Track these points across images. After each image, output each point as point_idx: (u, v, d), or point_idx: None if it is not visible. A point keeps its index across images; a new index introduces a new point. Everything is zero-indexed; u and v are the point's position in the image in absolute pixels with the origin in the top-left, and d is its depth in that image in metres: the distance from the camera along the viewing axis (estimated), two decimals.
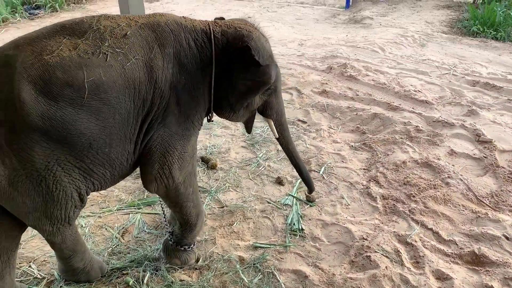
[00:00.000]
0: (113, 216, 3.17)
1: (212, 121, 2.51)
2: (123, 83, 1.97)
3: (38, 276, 2.65)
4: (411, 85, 5.34)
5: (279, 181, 3.56)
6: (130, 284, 2.54)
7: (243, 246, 2.89)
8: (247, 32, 2.30)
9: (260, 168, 3.76)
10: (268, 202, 3.33)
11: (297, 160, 2.83)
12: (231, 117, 2.49)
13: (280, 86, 2.64)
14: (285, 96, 5.22)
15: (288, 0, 11.18)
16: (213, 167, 3.77)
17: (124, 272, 2.65)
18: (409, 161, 3.76)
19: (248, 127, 2.73)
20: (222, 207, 3.28)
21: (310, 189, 2.99)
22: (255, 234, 3.02)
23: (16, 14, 9.35)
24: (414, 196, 3.32)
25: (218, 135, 4.35)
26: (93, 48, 1.92)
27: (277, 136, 2.72)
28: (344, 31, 8.32)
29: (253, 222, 3.12)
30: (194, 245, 2.71)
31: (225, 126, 4.51)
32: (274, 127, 2.68)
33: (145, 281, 2.56)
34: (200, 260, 2.74)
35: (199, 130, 2.39)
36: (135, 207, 3.24)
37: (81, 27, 1.96)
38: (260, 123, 4.53)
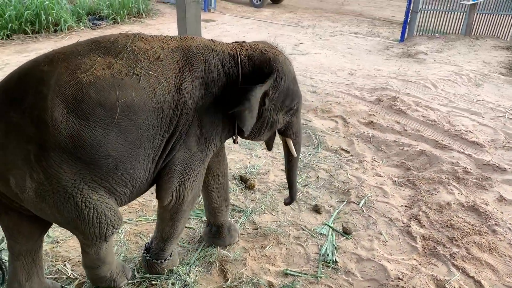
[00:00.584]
0: (149, 225, 3.21)
1: (237, 142, 2.52)
2: (153, 105, 1.99)
3: (71, 276, 2.71)
4: (463, 125, 5.16)
5: (316, 209, 3.49)
6: None
7: (274, 271, 2.84)
8: (273, 56, 2.34)
9: (298, 194, 3.71)
10: (303, 229, 3.27)
11: (295, 176, 2.93)
12: (255, 137, 2.56)
13: (301, 107, 2.70)
14: (329, 124, 5.18)
15: (342, 30, 11.20)
16: (250, 187, 3.76)
17: (153, 282, 2.65)
18: (454, 203, 3.59)
19: (269, 145, 2.81)
20: (256, 229, 3.25)
21: (291, 199, 3.01)
22: (287, 260, 2.96)
23: (81, 23, 9.88)
24: (456, 240, 3.16)
25: (259, 156, 4.35)
26: (127, 69, 1.93)
27: (296, 155, 2.77)
28: (396, 64, 8.20)
29: (286, 248, 3.06)
30: (170, 255, 2.71)
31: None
32: (293, 146, 2.72)
33: None
34: (229, 281, 2.71)
35: (213, 153, 2.43)
36: None
37: (116, 47, 1.99)
38: (302, 148, 4.50)
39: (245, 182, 3.83)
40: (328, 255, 2.98)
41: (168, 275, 2.70)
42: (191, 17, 3.19)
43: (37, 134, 1.77)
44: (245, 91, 2.20)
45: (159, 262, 2.66)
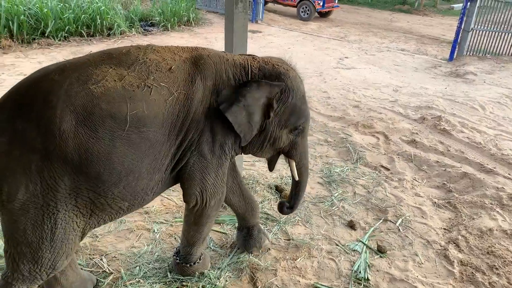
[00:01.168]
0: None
1: (239, 153, 2.50)
2: (164, 117, 1.98)
3: (107, 270, 2.80)
4: (510, 150, 4.95)
5: (351, 225, 3.45)
6: None
7: (304, 283, 2.82)
8: (284, 71, 2.33)
9: (333, 208, 3.68)
10: (336, 244, 3.23)
11: (298, 200, 2.79)
12: (256, 152, 2.51)
13: (308, 129, 2.62)
14: (370, 139, 5.11)
15: (389, 46, 11.06)
16: (286, 197, 3.75)
17: (184, 283, 2.70)
18: (496, 230, 3.45)
19: (271, 165, 2.76)
20: (289, 240, 3.24)
21: (292, 207, 2.84)
22: (318, 274, 2.93)
23: (133, 29, 10.26)
24: (497, 269, 3.02)
25: None
26: (139, 81, 1.92)
27: (297, 179, 2.66)
28: (443, 83, 7.99)
29: (318, 262, 3.04)
30: (200, 258, 2.75)
31: None
32: (295, 169, 2.64)
33: None
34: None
35: (231, 158, 2.42)
36: None
37: (128, 59, 1.98)
38: (340, 162, 4.46)
39: (280, 192, 3.83)
40: (360, 272, 2.93)
41: (199, 278, 2.74)
42: (238, 27, 3.25)
43: (43, 144, 1.73)
44: (240, 88, 2.19)
45: (188, 265, 2.71)
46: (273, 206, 3.65)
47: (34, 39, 8.74)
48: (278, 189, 3.87)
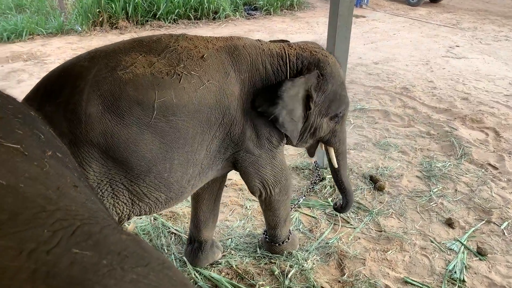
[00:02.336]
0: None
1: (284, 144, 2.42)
2: (193, 107, 1.89)
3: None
4: None
5: (450, 223, 3.26)
6: (275, 273, 2.67)
7: (393, 276, 2.75)
8: (323, 57, 2.23)
9: (431, 204, 3.50)
10: (432, 241, 3.08)
11: (348, 188, 2.74)
12: (297, 143, 2.43)
13: (347, 115, 2.52)
14: (478, 135, 4.73)
15: (508, 35, 10.03)
16: (380, 188, 3.66)
17: (273, 261, 2.78)
18: None
19: (311, 152, 2.72)
20: (380, 231, 3.16)
21: (344, 209, 2.84)
22: (409, 269, 2.83)
23: (237, 13, 10.54)
24: None
25: (393, 159, 4.19)
26: (168, 68, 1.85)
27: (336, 166, 2.60)
28: None
29: (409, 256, 2.93)
30: (289, 237, 2.80)
31: (403, 152, 4.33)
32: (334, 155, 2.56)
33: (289, 276, 2.65)
34: (345, 276, 2.71)
35: (283, 145, 2.37)
36: (295, 205, 3.36)
37: (158, 46, 1.92)
38: (442, 157, 4.22)
39: (374, 183, 3.74)
40: (455, 272, 2.78)
41: (286, 257, 2.81)
42: (343, 11, 3.18)
43: (69, 129, 1.70)
44: (275, 88, 2.10)
45: (276, 244, 2.79)
46: (366, 196, 3.58)
47: (147, 21, 9.41)
48: (372, 179, 3.78)
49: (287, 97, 2.11)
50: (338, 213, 3.21)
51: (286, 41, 2.41)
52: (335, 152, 2.58)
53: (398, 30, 10.02)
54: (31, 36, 8.41)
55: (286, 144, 2.42)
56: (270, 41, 2.36)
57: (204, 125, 1.96)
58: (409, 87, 6.11)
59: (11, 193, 0.49)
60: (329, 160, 2.65)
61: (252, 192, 2.43)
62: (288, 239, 2.81)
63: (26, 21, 8.43)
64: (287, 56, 2.20)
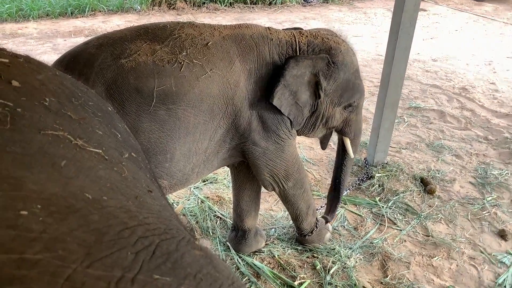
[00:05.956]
0: (320, 200, 3.34)
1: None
2: (194, 96, 1.87)
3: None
4: None
5: (503, 234, 3.12)
6: (317, 268, 2.68)
7: (438, 284, 2.68)
8: (335, 44, 2.14)
9: (483, 212, 3.36)
10: (481, 252, 2.97)
11: (342, 190, 2.75)
12: (308, 133, 2.37)
13: (362, 104, 2.41)
14: None
15: None
16: (430, 192, 3.55)
17: (315, 255, 2.79)
18: None
19: (324, 144, 2.64)
20: (427, 236, 3.08)
21: (328, 214, 2.86)
22: (455, 277, 2.75)
23: None
24: None
25: (446, 162, 4.05)
26: (170, 56, 1.84)
27: (352, 156, 2.55)
28: None
29: (457, 265, 2.85)
30: (316, 227, 2.74)
31: (458, 155, 4.17)
32: (350, 146, 2.49)
33: (330, 272, 2.64)
34: (388, 278, 2.67)
35: (292, 139, 2.29)
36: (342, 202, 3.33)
37: (163, 33, 1.91)
38: (499, 164, 4.03)
39: (425, 185, 3.63)
40: (505, 286, 2.67)
41: (329, 252, 2.81)
42: (409, 7, 3.07)
43: None
44: (280, 67, 2.04)
45: (302, 236, 2.78)
46: (415, 198, 3.49)
47: (204, 3, 9.50)
48: (423, 182, 3.67)
49: (290, 75, 2.05)
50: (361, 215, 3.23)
51: (300, 28, 2.36)
52: (351, 143, 2.54)
53: (461, 26, 9.56)
54: (93, 12, 8.71)
55: (300, 135, 2.40)
56: (283, 29, 2.32)
57: (206, 114, 1.94)
58: (468, 88, 5.85)
59: (96, 209, 0.47)
60: (338, 151, 2.65)
61: (264, 186, 2.41)
62: (313, 232, 2.76)
63: None
64: (297, 44, 2.14)
